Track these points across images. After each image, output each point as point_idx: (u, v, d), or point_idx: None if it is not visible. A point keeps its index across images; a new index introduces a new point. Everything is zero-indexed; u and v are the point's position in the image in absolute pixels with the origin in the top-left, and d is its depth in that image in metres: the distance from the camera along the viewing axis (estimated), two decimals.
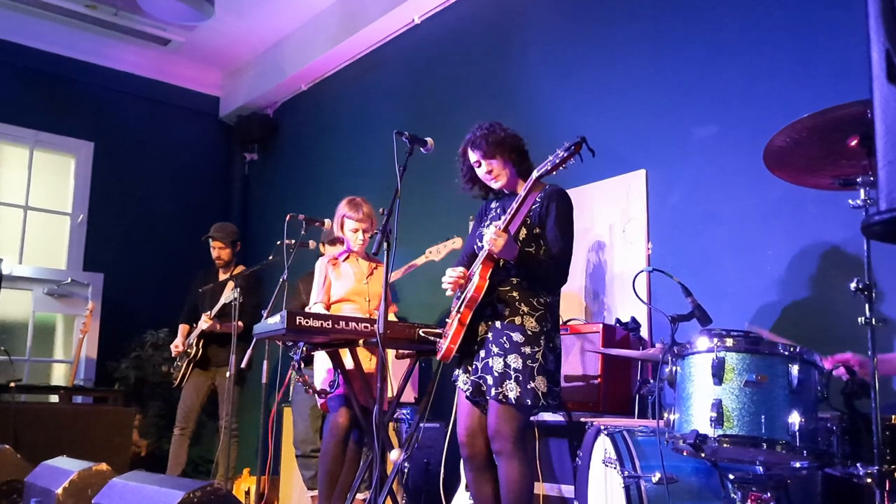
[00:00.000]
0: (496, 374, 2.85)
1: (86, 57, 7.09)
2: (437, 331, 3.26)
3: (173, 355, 5.36)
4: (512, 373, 2.82)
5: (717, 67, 3.68)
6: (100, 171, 7.18)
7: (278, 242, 4.22)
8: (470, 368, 2.97)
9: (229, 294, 4.85)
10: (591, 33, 4.42)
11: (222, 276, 5.42)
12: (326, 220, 4.26)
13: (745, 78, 3.55)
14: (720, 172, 3.60)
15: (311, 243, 4.51)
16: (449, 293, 3.06)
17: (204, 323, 5.09)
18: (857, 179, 2.12)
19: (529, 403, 2.80)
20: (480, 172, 3.10)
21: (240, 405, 4.78)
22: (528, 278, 2.94)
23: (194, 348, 5.20)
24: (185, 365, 5.25)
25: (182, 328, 5.43)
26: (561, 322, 3.82)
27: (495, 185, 3.11)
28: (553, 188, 3.06)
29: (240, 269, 5.48)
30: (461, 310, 2.91)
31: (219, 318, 5.08)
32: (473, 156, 3.08)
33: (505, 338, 2.88)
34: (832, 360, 2.28)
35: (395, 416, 4.03)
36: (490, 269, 2.90)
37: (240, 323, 4.56)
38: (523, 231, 2.95)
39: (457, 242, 4.21)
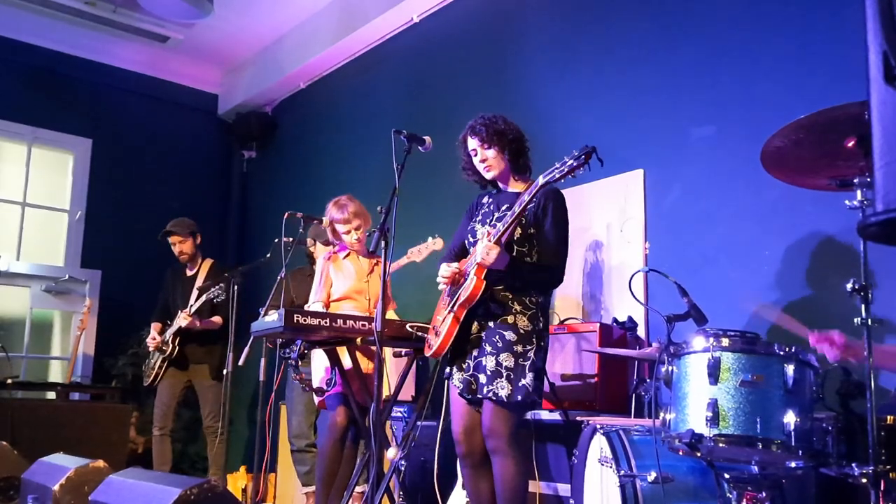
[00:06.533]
0: (488, 372, 2.87)
1: (84, 54, 7.07)
2: (427, 326, 3.27)
3: (151, 349, 5.26)
4: (504, 371, 2.84)
5: (716, 68, 3.69)
6: (98, 168, 7.16)
7: (276, 240, 4.22)
8: (463, 367, 2.98)
9: (212, 291, 4.82)
10: (589, 33, 4.42)
11: (189, 273, 5.39)
12: (325, 219, 4.25)
13: (743, 79, 3.56)
14: (718, 173, 3.60)
15: (310, 241, 4.51)
16: (442, 287, 3.08)
17: (182, 320, 5.02)
18: (854, 180, 2.12)
19: (520, 400, 2.83)
20: (476, 161, 3.12)
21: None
22: (518, 286, 2.95)
23: (170, 346, 5.14)
24: (158, 363, 5.17)
25: (155, 326, 5.35)
26: (559, 321, 3.84)
27: (488, 176, 3.13)
28: (548, 187, 3.07)
29: (208, 262, 5.43)
30: (455, 308, 2.92)
31: (197, 315, 5.05)
32: (472, 143, 3.11)
33: (498, 337, 2.90)
34: (817, 335, 2.28)
35: (392, 414, 4.02)
36: (485, 270, 2.91)
37: (219, 318, 4.52)
38: (518, 230, 2.95)
39: (437, 244, 4.16)
